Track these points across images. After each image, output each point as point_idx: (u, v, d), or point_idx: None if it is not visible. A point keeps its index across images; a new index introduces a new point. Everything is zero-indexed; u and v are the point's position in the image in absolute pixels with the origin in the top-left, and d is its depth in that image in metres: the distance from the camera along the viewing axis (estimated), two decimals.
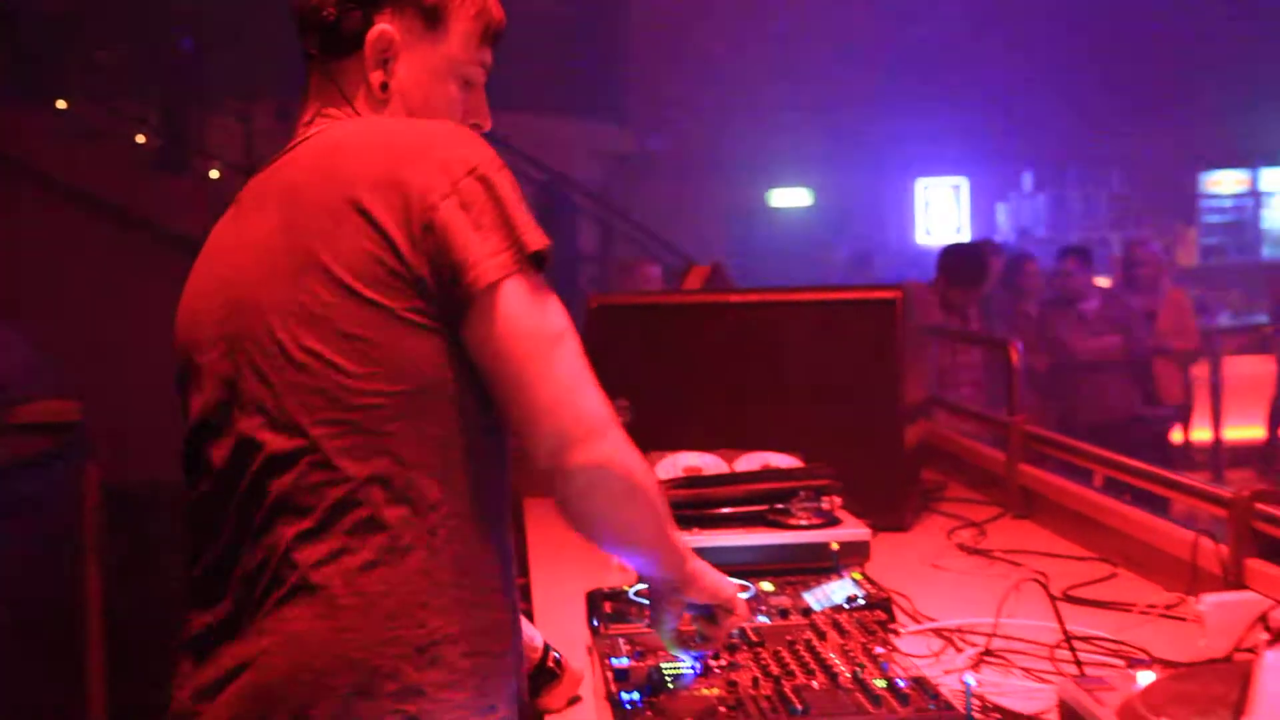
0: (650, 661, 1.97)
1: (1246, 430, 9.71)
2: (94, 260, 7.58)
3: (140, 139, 9.47)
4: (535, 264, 1.61)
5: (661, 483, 2.76)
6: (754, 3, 15.17)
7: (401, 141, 1.65)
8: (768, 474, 2.79)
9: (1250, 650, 1.90)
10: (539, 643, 2.08)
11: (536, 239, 1.61)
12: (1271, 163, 17.17)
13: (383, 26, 1.76)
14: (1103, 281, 8.80)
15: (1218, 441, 9.81)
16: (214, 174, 9.48)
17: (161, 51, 9.76)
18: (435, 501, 1.60)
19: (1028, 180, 17.83)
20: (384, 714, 1.54)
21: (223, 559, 1.65)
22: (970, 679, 1.81)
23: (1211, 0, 15.07)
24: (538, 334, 1.58)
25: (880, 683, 1.83)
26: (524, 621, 2.09)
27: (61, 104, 9.23)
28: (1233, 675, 1.24)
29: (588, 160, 13.13)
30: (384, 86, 1.77)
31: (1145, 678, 1.56)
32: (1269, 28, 15.15)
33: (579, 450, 1.57)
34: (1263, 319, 11.50)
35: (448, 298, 1.58)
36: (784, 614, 2.23)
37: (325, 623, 1.56)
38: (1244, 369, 10.02)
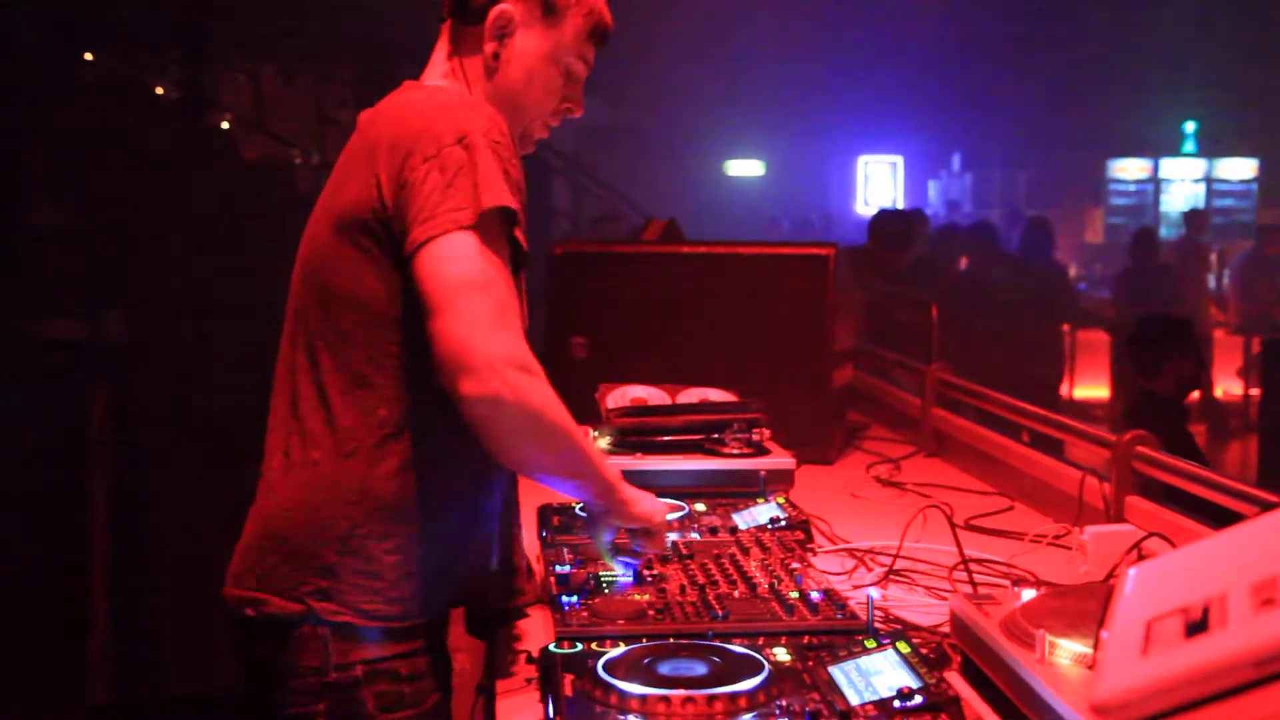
0: (590, 569, 1.95)
1: None
2: None
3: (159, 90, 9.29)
4: (495, 220, 1.64)
5: (610, 411, 2.75)
6: None
7: (420, 110, 1.72)
8: (705, 406, 2.78)
9: None
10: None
11: (493, 198, 1.63)
12: (1171, 153, 17.25)
13: (505, 6, 1.81)
14: None
15: (1114, 398, 9.89)
16: (224, 125, 9.34)
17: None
18: (383, 418, 1.69)
19: (956, 161, 17.85)
20: (300, 581, 1.68)
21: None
22: (874, 593, 1.80)
23: (1124, 10, 15.10)
24: (459, 279, 1.59)
25: (794, 594, 1.83)
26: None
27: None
28: (1103, 594, 1.22)
29: (565, 126, 13.00)
30: (495, 56, 1.82)
31: (1028, 595, 1.55)
32: (1174, 31, 15.24)
33: (472, 380, 1.56)
34: None
35: (402, 244, 1.64)
36: (713, 531, 2.22)
37: (271, 502, 1.73)
38: None
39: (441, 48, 1.87)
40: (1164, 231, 16.24)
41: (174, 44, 9.16)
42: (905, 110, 16.42)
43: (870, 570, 2.22)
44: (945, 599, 2.02)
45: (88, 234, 5.34)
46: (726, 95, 15.69)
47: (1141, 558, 1.98)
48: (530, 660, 1.70)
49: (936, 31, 15.29)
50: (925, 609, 1.99)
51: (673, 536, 2.16)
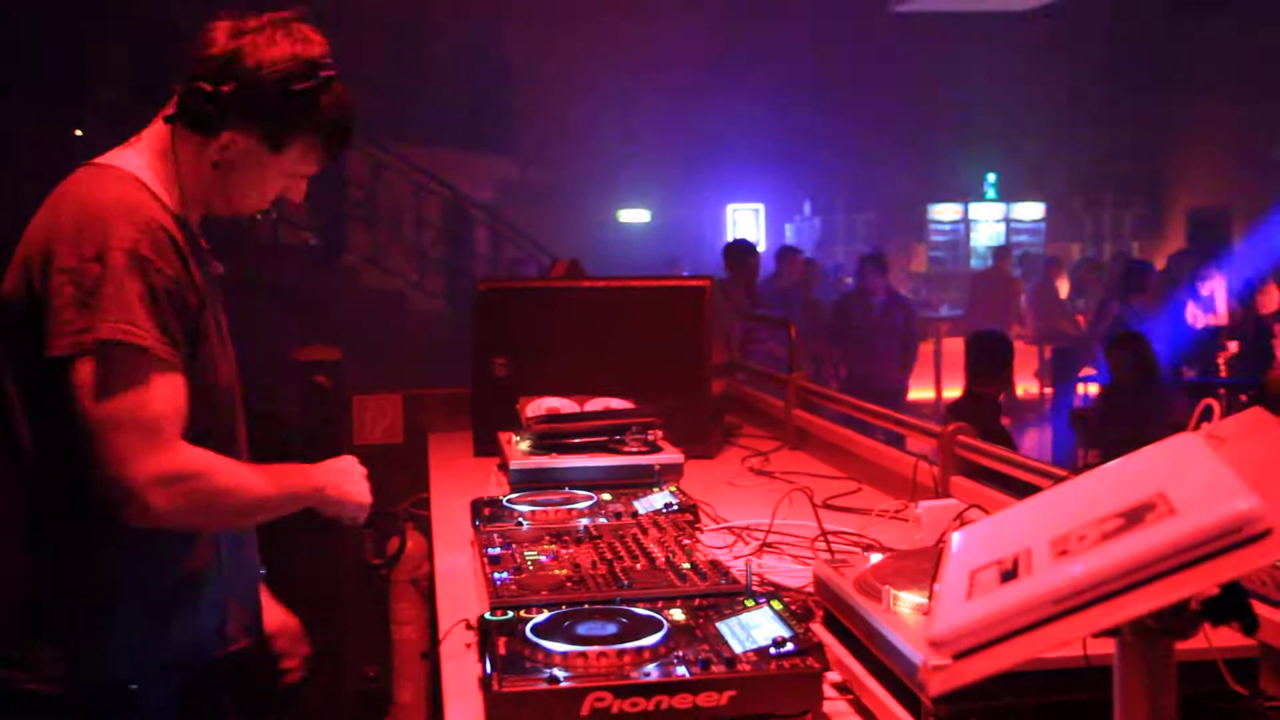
0: (516, 550, 1.95)
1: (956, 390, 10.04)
2: None
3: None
4: (128, 341, 1.44)
5: (529, 419, 2.75)
6: (607, 69, 15.08)
7: (78, 208, 1.50)
8: (608, 413, 2.79)
9: None
10: None
11: (113, 329, 1.43)
12: (977, 198, 17.73)
13: (236, 135, 1.59)
14: None
15: (939, 398, 10.17)
16: None
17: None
18: (34, 494, 1.55)
19: (807, 207, 18.10)
20: None
21: None
22: (752, 562, 1.83)
23: (939, 83, 15.54)
24: (99, 413, 1.43)
25: (686, 565, 1.84)
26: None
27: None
28: (935, 556, 1.26)
29: (485, 183, 12.97)
30: (215, 165, 1.61)
31: (875, 559, 1.59)
32: (977, 100, 15.75)
33: (127, 512, 1.47)
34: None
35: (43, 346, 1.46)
36: (618, 516, 2.23)
37: None
38: (955, 347, 10.35)
39: (164, 130, 1.62)
40: (973, 263, 16.71)
41: (100, 92, 8.59)
42: (765, 163, 16.64)
43: (747, 544, 2.25)
44: (809, 565, 2.06)
45: None
46: (618, 153, 15.76)
47: (964, 525, 2.04)
48: (469, 627, 1.70)
49: (787, 97, 15.49)
50: (793, 573, 2.03)
51: (584, 521, 2.17)
